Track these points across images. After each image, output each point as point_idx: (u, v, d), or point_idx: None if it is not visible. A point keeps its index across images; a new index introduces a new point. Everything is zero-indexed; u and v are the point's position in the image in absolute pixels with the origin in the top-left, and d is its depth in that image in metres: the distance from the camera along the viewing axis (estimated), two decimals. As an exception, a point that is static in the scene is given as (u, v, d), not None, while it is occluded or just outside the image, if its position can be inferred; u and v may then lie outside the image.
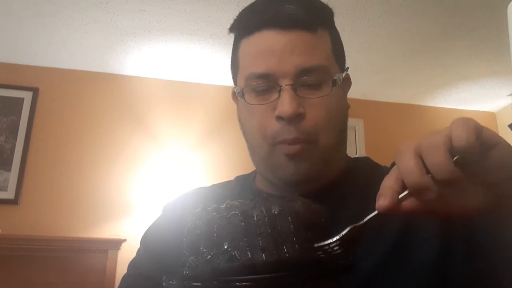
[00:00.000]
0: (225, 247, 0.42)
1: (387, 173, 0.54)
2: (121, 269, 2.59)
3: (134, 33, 2.55)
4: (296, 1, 0.63)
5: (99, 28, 2.49)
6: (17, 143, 2.79)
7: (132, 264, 0.72)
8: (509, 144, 0.43)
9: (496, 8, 2.20)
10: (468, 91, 3.41)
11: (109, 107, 3.00)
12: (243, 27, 0.65)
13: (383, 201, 0.42)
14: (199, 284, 0.42)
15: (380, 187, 0.43)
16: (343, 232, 0.44)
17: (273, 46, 0.60)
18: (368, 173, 0.67)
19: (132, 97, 3.05)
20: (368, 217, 0.44)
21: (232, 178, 0.78)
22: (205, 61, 2.88)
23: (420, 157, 0.41)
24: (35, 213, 2.70)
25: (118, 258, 2.66)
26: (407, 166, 0.41)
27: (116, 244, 2.68)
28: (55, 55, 2.83)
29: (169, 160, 2.90)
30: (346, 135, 0.68)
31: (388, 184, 0.43)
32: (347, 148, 0.71)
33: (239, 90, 0.64)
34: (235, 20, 0.67)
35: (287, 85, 0.59)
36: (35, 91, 2.90)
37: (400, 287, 0.57)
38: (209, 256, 0.42)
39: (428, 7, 2.29)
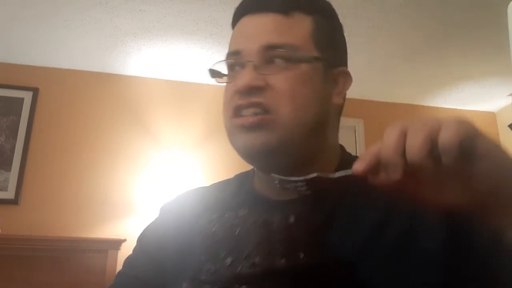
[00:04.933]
0: (247, 253, 0.43)
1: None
2: (121, 269, 2.57)
3: (134, 33, 2.55)
4: None
5: (99, 28, 2.49)
6: (17, 143, 2.79)
7: (128, 262, 0.71)
8: (498, 157, 0.42)
9: (496, 8, 2.20)
10: (468, 91, 3.41)
11: (109, 107, 3.00)
12: (232, 21, 0.68)
13: (359, 165, 0.44)
14: (209, 286, 0.43)
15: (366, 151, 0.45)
16: (309, 176, 0.46)
17: (245, 29, 0.64)
18: None
19: (132, 97, 3.05)
20: (339, 174, 0.46)
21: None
22: (205, 61, 2.88)
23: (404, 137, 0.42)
24: (35, 213, 2.70)
25: (118, 258, 2.65)
26: (387, 140, 0.43)
27: (116, 244, 2.68)
28: (55, 55, 2.83)
29: (169, 159, 2.90)
30: (327, 126, 0.64)
31: (371, 151, 0.44)
32: (348, 148, 0.70)
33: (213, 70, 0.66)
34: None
35: (248, 61, 0.60)
36: (35, 91, 2.90)
37: (404, 281, 0.53)
38: (230, 262, 0.43)
39: (428, 7, 2.29)
